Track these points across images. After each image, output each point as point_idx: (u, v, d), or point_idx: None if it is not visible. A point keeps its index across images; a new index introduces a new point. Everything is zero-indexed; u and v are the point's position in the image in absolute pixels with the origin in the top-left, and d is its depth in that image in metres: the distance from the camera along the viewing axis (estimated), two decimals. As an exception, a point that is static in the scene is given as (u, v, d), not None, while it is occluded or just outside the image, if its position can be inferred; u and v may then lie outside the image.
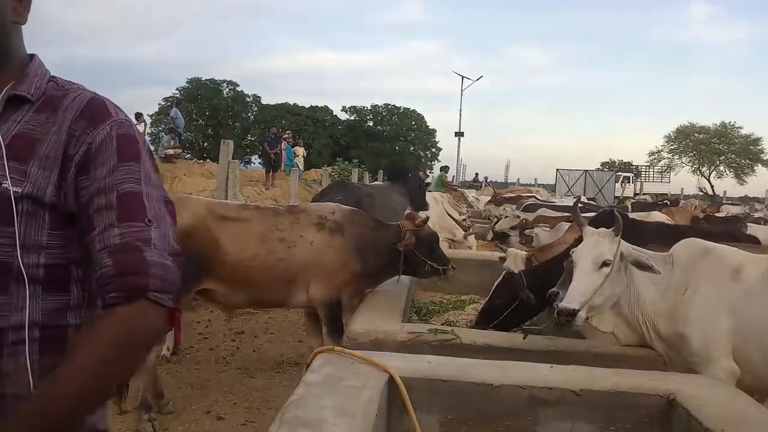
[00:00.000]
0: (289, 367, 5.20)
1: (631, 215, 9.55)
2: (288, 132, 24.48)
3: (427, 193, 9.08)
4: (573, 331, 3.74)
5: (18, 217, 1.05)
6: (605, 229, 3.12)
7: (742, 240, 4.80)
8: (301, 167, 21.97)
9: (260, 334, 6.20)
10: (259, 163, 25.40)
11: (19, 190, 1.05)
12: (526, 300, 3.88)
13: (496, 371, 2.46)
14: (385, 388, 2.26)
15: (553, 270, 3.59)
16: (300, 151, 22.52)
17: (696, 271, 3.10)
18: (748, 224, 16.97)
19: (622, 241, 3.08)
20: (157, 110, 46.71)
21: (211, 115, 51.35)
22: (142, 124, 16.46)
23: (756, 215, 21.95)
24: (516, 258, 5.06)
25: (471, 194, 20.94)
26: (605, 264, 2.94)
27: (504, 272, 4.41)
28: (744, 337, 2.92)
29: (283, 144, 20.34)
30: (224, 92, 52.65)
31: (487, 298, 4.33)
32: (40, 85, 1.15)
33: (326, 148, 48.44)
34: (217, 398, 4.48)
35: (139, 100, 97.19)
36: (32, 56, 1.20)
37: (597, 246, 3.03)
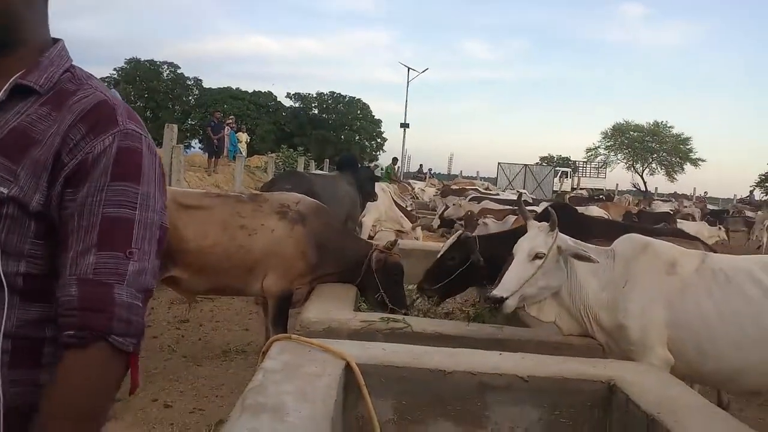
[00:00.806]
0: (236, 355, 5.17)
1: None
2: (231, 117, 24.00)
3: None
4: (519, 320, 3.91)
5: (0, 221, 0.97)
6: (545, 223, 3.27)
7: (681, 237, 5.02)
8: (245, 153, 21.61)
9: (205, 322, 6.13)
10: (200, 148, 24.88)
11: (5, 191, 0.96)
12: (476, 263, 3.99)
13: (448, 358, 2.54)
14: (342, 375, 2.30)
15: (505, 242, 3.67)
16: (243, 137, 22.15)
17: (635, 265, 3.27)
18: (678, 220, 17.89)
19: (562, 235, 3.26)
20: (92, 90, 44.81)
21: (150, 97, 49.72)
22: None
23: (685, 211, 23.13)
24: (460, 205, 5.20)
25: (417, 185, 21.19)
26: (538, 256, 3.14)
27: (458, 233, 4.49)
28: (678, 328, 3.11)
29: (226, 129, 19.95)
30: (164, 74, 51.06)
31: (437, 257, 4.36)
32: (52, 75, 1.04)
33: (270, 135, 47.73)
34: (164, 386, 4.42)
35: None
36: (56, 41, 1.09)
37: (533, 239, 3.24)
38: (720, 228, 17.06)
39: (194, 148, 41.08)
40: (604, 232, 4.31)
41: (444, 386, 2.44)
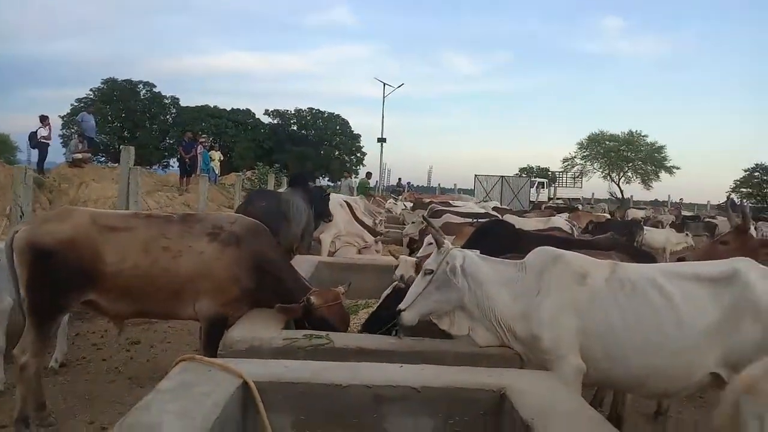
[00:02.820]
0: (182, 375, 5.20)
1: (530, 221, 10.11)
2: (204, 136, 24.04)
3: (334, 197, 9.27)
4: (444, 333, 4.02)
5: None
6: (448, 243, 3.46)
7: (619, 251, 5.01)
8: (217, 171, 21.62)
9: (157, 343, 6.15)
10: (178, 167, 24.82)
11: None
12: None
13: (347, 372, 2.63)
14: (237, 393, 2.38)
15: None
16: (216, 155, 22.14)
17: (546, 276, 3.40)
18: (649, 228, 18.13)
19: (454, 252, 3.45)
20: (69, 111, 44.64)
21: (127, 117, 49.53)
22: (47, 127, 15.76)
23: (660, 218, 23.48)
24: (406, 264, 5.30)
25: (390, 200, 21.31)
26: (426, 273, 3.41)
27: (393, 284, 4.62)
28: (589, 336, 3.23)
29: (199, 148, 19.97)
30: (141, 93, 50.93)
31: (375, 309, 4.53)
32: None
33: (249, 152, 47.69)
34: (103, 409, 4.44)
35: (50, 100, 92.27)
36: None
37: (429, 258, 3.49)
38: (687, 234, 17.38)
39: (173, 167, 41.07)
40: (536, 245, 4.46)
41: (341, 400, 2.53)
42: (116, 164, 24.94)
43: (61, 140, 37.51)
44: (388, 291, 4.52)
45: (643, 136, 48.67)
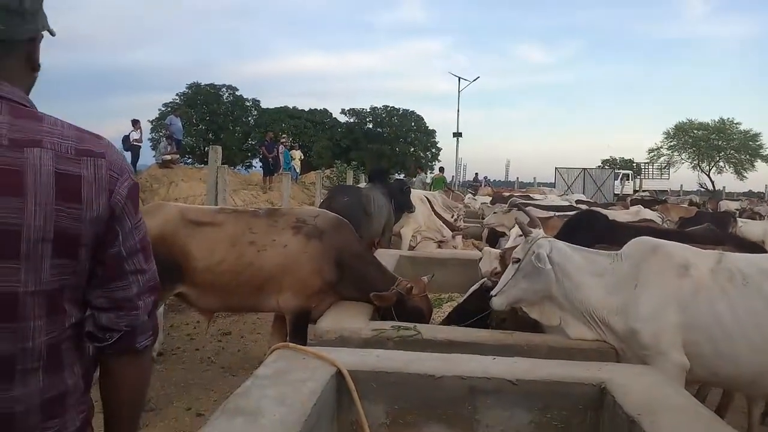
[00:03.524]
0: (272, 366, 5.34)
1: (617, 214, 9.71)
2: (284, 136, 24.65)
3: (413, 192, 9.26)
4: (533, 326, 3.92)
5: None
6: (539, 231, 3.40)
7: (727, 243, 4.70)
8: (298, 170, 22.10)
9: (247, 334, 6.35)
10: (260, 167, 25.58)
11: None
12: None
13: (440, 363, 2.60)
14: (332, 381, 2.40)
15: None
16: (297, 154, 22.67)
17: (645, 267, 3.24)
18: (745, 219, 17.11)
19: (542, 241, 3.38)
20: (157, 116, 46.95)
21: (211, 119, 51.52)
22: (138, 130, 16.63)
23: (757, 209, 22.05)
24: (490, 256, 5.21)
25: (468, 196, 21.09)
26: (514, 261, 3.40)
27: (481, 281, 4.56)
28: (694, 331, 3.05)
29: (280, 148, 20.50)
30: (224, 97, 52.86)
31: (460, 302, 4.48)
32: None
33: (326, 151, 48.56)
34: (199, 396, 4.63)
35: (139, 106, 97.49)
36: None
37: (518, 247, 3.48)
38: (787, 227, 16.23)
39: (255, 167, 42.39)
40: (630, 237, 4.27)
41: (434, 391, 2.50)
42: (202, 165, 26.03)
43: (151, 143, 39.44)
44: (475, 287, 4.46)
45: (735, 124, 45.80)
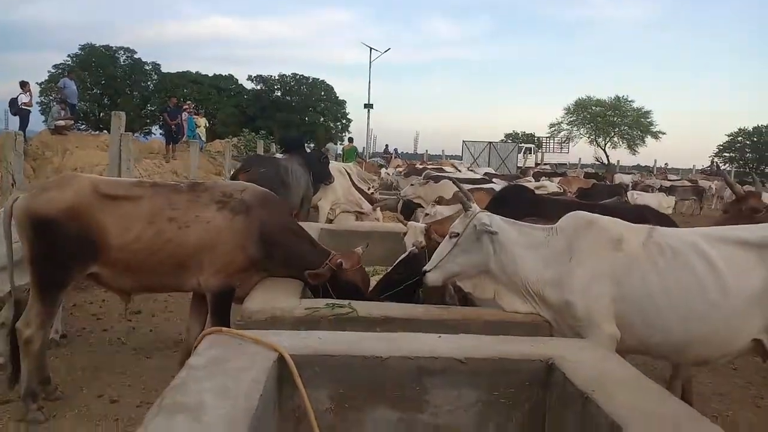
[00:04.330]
0: (188, 346, 5.06)
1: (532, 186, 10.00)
2: (189, 102, 23.48)
3: (332, 164, 9.05)
4: (469, 300, 3.91)
5: None
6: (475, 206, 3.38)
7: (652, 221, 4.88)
8: (204, 138, 21.15)
9: (158, 313, 6.00)
10: (160, 134, 24.33)
11: None
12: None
13: (385, 344, 2.49)
14: (273, 367, 2.23)
15: None
16: (202, 121, 21.64)
17: (580, 241, 3.27)
18: (640, 192, 18.24)
19: (481, 214, 3.35)
20: (47, 78, 43.40)
21: (107, 83, 48.33)
22: (28, 93, 15.21)
23: (648, 182, 23.59)
24: (415, 230, 5.16)
25: (383, 170, 21.06)
26: (451, 235, 3.35)
27: (410, 250, 4.49)
28: (625, 302, 3.12)
29: (184, 114, 19.50)
30: (121, 59, 49.65)
31: (387, 272, 4.40)
32: None
33: (232, 119, 46.95)
34: (111, 381, 4.31)
35: (27, 66, 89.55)
36: None
37: (455, 220, 3.43)
38: (675, 198, 17.53)
39: (155, 134, 40.37)
40: (559, 212, 4.33)
41: (381, 373, 2.38)
42: (98, 132, 24.41)
43: (40, 108, 36.56)
44: (403, 256, 4.39)
45: (629, 101, 48.71)
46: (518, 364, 2.46)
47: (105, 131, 23.17)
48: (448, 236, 3.42)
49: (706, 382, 4.64)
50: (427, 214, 7.59)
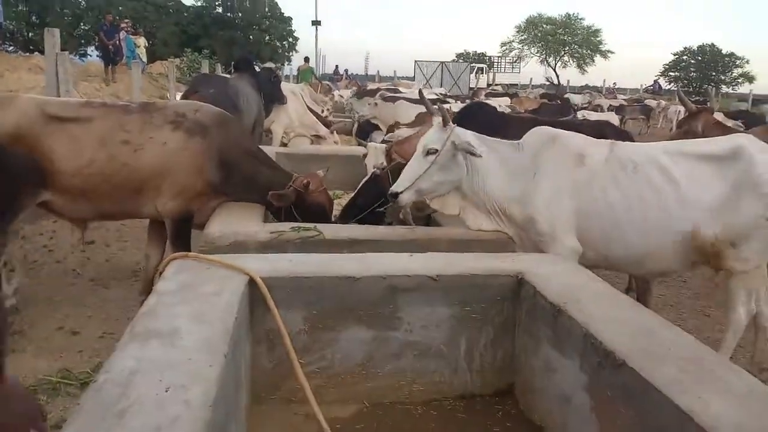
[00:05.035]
0: (147, 274, 4.95)
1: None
2: (126, 20, 22.08)
3: (284, 85, 8.74)
4: (431, 220, 3.92)
5: None
6: (441, 120, 3.26)
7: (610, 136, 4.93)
8: (144, 59, 20.07)
9: (112, 242, 5.81)
10: (97, 56, 22.94)
11: None
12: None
13: (357, 264, 2.47)
14: (245, 291, 2.19)
15: None
16: (141, 41, 20.43)
17: (544, 157, 3.28)
18: (589, 112, 18.44)
19: (459, 131, 3.27)
20: (-36, -6, 39.91)
21: (34, 0, 44.87)
22: (-56, 10, 14.01)
23: (598, 101, 23.89)
24: (377, 152, 5.08)
25: (337, 92, 20.55)
26: (430, 152, 3.22)
27: (371, 172, 4.42)
28: (586, 217, 3.17)
29: (121, 34, 18.38)
30: (47, -27, 45.94)
31: (351, 196, 4.34)
32: None
33: (173, 38, 44.52)
34: (69, 312, 4.18)
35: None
36: None
37: (428, 136, 3.30)
38: (623, 118, 17.84)
39: (91, 56, 38.08)
40: (520, 128, 4.31)
41: (354, 292, 2.38)
42: (28, 54, 22.84)
43: (-41, 27, 33.83)
44: (366, 178, 4.33)
45: (580, 19, 48.50)
46: (488, 279, 2.49)
47: (36, 53, 21.69)
48: (421, 153, 3.27)
49: (658, 294, 4.85)
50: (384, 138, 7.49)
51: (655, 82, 42.83)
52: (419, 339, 2.46)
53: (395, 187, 3.26)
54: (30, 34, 43.76)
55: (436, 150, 3.20)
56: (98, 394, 1.40)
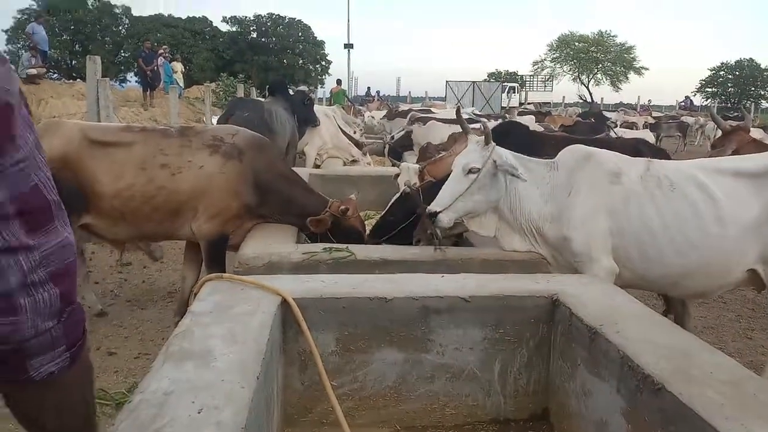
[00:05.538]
0: (182, 295, 5.02)
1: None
2: (165, 46, 22.75)
3: (317, 108, 8.86)
4: (462, 239, 3.90)
5: None
6: (482, 138, 3.21)
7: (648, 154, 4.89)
8: (181, 84, 20.61)
9: (149, 264, 5.92)
10: (136, 81, 23.63)
11: None
12: (422, 215, 3.91)
13: (389, 285, 2.46)
14: (278, 312, 2.20)
15: None
16: (178, 66, 21.04)
17: (578, 175, 3.23)
18: (624, 129, 18.21)
19: (499, 150, 3.22)
20: (13, 24, 41.64)
21: (76, 29, 46.47)
22: (-6, 40, 14.62)
23: (632, 119, 23.57)
24: (409, 171, 5.09)
25: (367, 113, 20.72)
26: (472, 171, 3.15)
27: (402, 190, 4.42)
28: (623, 236, 3.11)
29: (159, 60, 18.94)
30: (89, 2, 47.68)
31: (381, 214, 4.35)
32: None
33: (208, 63, 45.73)
34: (107, 333, 4.27)
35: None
36: None
37: (468, 154, 3.22)
38: (659, 135, 17.53)
39: (130, 81, 39.26)
40: (554, 147, 4.27)
41: (386, 313, 2.37)
42: (71, 81, 23.63)
43: (8, 57, 35.18)
44: (396, 196, 4.33)
45: (612, 36, 48.11)
46: (522, 300, 2.45)
47: (79, 79, 22.44)
48: (461, 172, 3.20)
49: (698, 317, 4.72)
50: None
51: (687, 98, 42.04)
52: (452, 361, 2.43)
53: (433, 206, 3.17)
54: (73, 62, 45.46)
55: (478, 169, 3.14)
56: (133, 414, 1.41)
